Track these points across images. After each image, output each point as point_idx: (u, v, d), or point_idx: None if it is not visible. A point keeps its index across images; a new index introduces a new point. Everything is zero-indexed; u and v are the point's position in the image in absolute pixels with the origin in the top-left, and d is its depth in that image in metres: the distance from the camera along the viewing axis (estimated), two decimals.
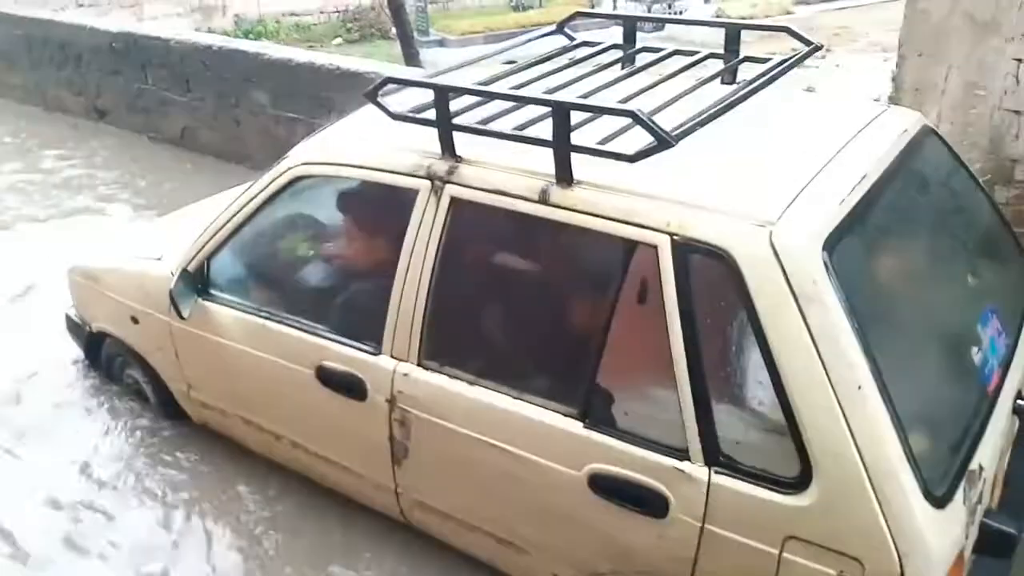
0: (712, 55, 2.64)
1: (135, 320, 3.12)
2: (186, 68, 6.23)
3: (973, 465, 1.94)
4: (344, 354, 2.52)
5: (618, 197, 2.02)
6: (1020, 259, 2.62)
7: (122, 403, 3.48)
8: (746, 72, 2.50)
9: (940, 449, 1.91)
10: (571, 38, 2.87)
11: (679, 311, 1.92)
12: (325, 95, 5.31)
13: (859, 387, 1.76)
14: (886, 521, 1.73)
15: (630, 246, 2.02)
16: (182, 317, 2.81)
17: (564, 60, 2.70)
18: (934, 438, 1.91)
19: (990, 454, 2.02)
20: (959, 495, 1.86)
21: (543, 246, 2.29)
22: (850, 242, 1.92)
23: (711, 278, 1.92)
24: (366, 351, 2.47)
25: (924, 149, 2.36)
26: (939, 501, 1.80)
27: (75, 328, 3.55)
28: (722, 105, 2.09)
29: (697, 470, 1.95)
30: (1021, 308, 2.47)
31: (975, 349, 2.15)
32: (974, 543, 1.96)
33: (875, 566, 1.75)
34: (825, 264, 1.82)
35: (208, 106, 6.20)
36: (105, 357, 3.53)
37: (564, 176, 2.07)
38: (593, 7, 13.53)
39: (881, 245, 2.19)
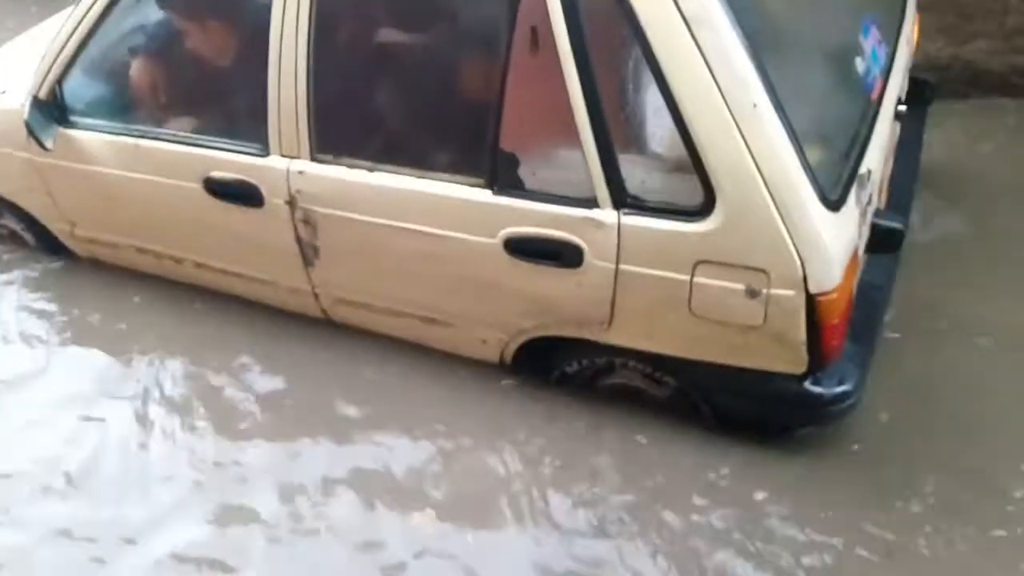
0: None
1: None
2: None
3: (862, 169, 2.03)
4: (231, 161, 2.39)
5: None
6: None
7: None
8: None
9: (832, 156, 1.98)
10: None
11: (573, 56, 1.87)
12: None
13: (754, 105, 1.78)
14: (787, 230, 1.82)
15: None
16: (46, 149, 2.59)
17: None
18: (826, 147, 1.97)
19: (877, 158, 2.12)
20: (851, 198, 1.96)
21: (422, 9, 2.16)
22: None
23: (602, 16, 1.86)
24: (253, 154, 2.35)
25: None
26: (834, 205, 1.88)
27: None
28: None
29: (607, 215, 1.98)
30: (897, 18, 2.52)
31: (858, 59, 2.19)
32: (866, 242, 2.10)
33: (780, 272, 1.86)
34: None
35: None
36: None
37: None
38: None
39: None
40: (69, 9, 2.59)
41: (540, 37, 1.94)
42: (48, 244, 3.12)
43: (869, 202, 2.08)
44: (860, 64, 2.17)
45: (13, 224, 3.15)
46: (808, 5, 2.23)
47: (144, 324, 2.88)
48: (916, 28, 2.63)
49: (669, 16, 1.78)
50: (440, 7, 2.13)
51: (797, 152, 1.81)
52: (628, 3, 1.80)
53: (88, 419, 2.56)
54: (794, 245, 1.83)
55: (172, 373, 2.69)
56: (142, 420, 2.54)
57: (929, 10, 2.67)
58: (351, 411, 2.51)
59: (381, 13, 2.22)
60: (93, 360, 2.78)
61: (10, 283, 3.13)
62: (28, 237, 3.16)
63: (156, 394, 2.63)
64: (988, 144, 3.33)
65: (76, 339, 2.87)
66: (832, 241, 1.86)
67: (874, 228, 2.09)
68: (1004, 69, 3.45)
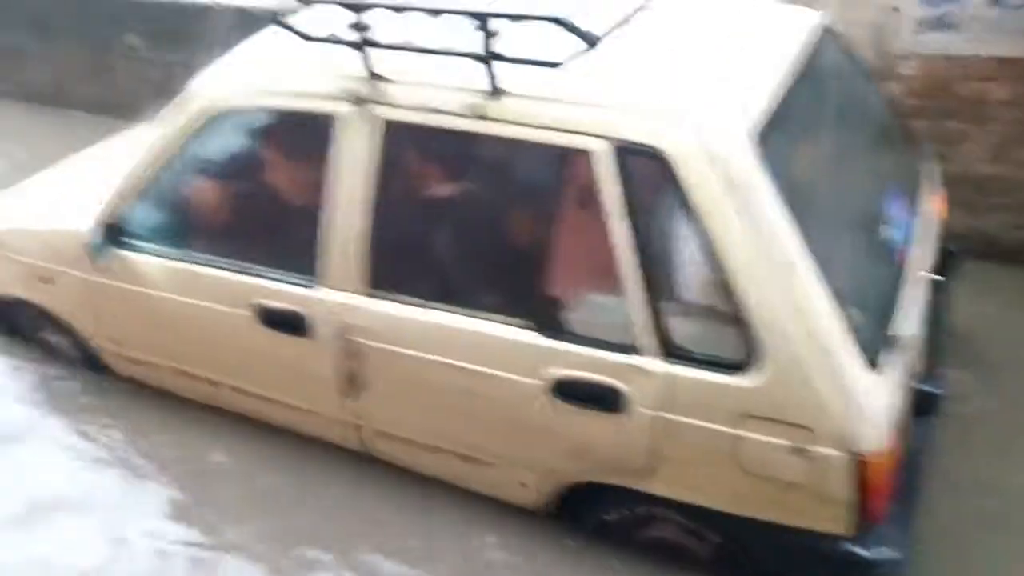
0: None
1: (46, 280, 2.95)
2: (41, 14, 5.74)
3: (901, 332, 2.09)
4: (282, 291, 2.47)
5: (550, 105, 2.05)
6: (910, 146, 2.81)
7: (37, 364, 3.30)
8: None
9: (869, 320, 2.05)
10: None
11: (621, 212, 1.98)
12: (204, 34, 5.02)
13: (796, 267, 1.87)
14: (832, 388, 1.87)
15: (566, 153, 2.05)
16: (102, 271, 2.68)
17: None
18: (863, 310, 2.05)
19: (913, 322, 2.19)
20: (893, 360, 2.01)
21: (480, 162, 2.29)
22: (774, 133, 2.01)
23: (648, 177, 1.98)
24: (304, 285, 2.43)
25: (825, 46, 2.47)
26: (874, 367, 1.94)
27: None
28: (637, 8, 2.13)
29: (651, 363, 2.03)
30: (914, 188, 2.66)
31: (883, 227, 2.32)
32: (907, 404, 2.13)
33: (825, 431, 1.89)
34: (755, 154, 1.90)
35: (76, 56, 5.75)
36: (13, 321, 3.32)
37: (494, 88, 2.06)
38: None
39: (799, 135, 2.29)
40: (133, 133, 2.73)
41: (589, 193, 2.05)
42: (87, 360, 3.15)
43: (908, 366, 2.13)
44: (885, 232, 2.29)
45: (55, 338, 3.20)
46: (838, 176, 2.36)
47: (172, 443, 2.89)
48: (942, 203, 2.76)
49: (713, 180, 1.89)
50: (498, 161, 2.26)
51: (837, 310, 1.89)
52: (674, 167, 1.92)
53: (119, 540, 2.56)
54: (839, 404, 1.87)
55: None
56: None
57: (947, 184, 2.84)
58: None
59: (442, 163, 2.35)
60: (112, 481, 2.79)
61: (46, 396, 3.16)
62: (69, 352, 3.21)
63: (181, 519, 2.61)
64: (1014, 312, 3.42)
65: (105, 459, 2.87)
66: (877, 402, 1.91)
67: (913, 392, 2.13)
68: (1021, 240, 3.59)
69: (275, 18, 2.29)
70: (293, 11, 2.42)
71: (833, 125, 2.56)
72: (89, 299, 2.88)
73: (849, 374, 1.88)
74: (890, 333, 2.09)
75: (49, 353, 3.29)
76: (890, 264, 2.30)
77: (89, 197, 2.79)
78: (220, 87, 2.49)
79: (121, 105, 5.42)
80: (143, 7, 5.29)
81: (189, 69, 2.86)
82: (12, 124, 5.76)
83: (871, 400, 1.88)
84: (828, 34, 2.54)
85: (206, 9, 5.02)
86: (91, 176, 3.06)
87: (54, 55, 5.84)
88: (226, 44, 2.72)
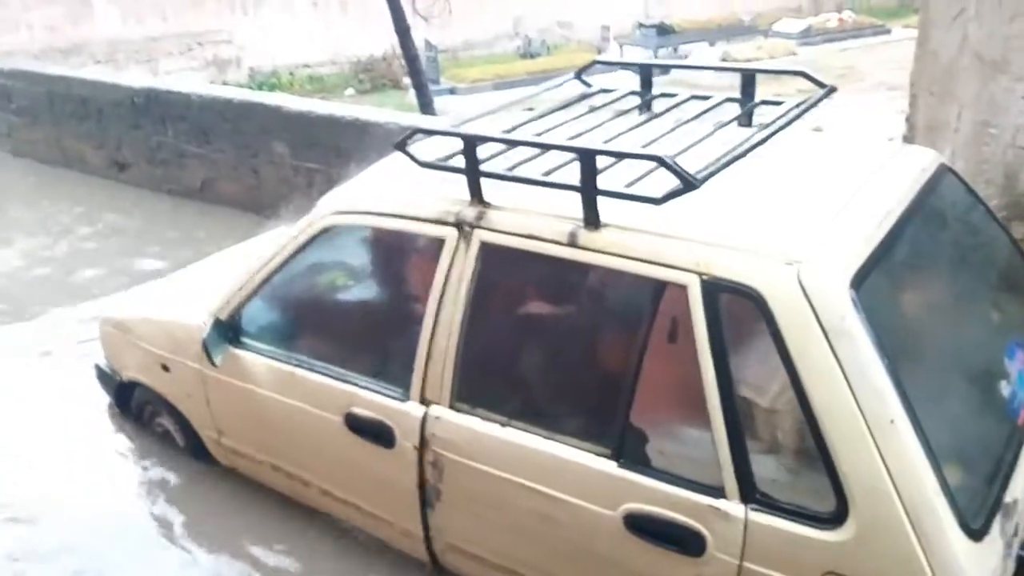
0: (728, 99, 2.71)
1: (166, 368, 3.17)
2: (205, 121, 6.37)
3: (1008, 498, 1.95)
4: (372, 401, 2.55)
5: (646, 238, 2.07)
6: None
7: (150, 449, 3.51)
8: (762, 116, 2.57)
9: (975, 482, 1.92)
10: (588, 85, 2.95)
11: (710, 349, 1.95)
12: (343, 145, 5.41)
13: (891, 420, 1.78)
14: (924, 555, 1.74)
15: (659, 286, 2.06)
16: (214, 365, 2.85)
17: (584, 107, 2.78)
18: (968, 471, 1.92)
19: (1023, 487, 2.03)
20: (995, 528, 1.87)
21: (572, 288, 2.33)
22: (876, 278, 1.96)
23: (741, 316, 1.95)
24: (394, 397, 2.50)
25: (942, 186, 2.41)
26: (976, 534, 1.80)
27: (105, 377, 3.60)
28: (744, 147, 2.15)
29: (733, 508, 1.96)
30: None
31: (1003, 382, 2.17)
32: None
33: None
34: (853, 300, 1.85)
35: (227, 158, 6.32)
36: (135, 405, 3.56)
37: (592, 219, 2.12)
38: (600, 54, 13.75)
39: (906, 281, 2.23)
40: (261, 237, 2.94)
41: (680, 327, 2.05)
42: (195, 448, 3.33)
43: (1015, 532, 1.97)
44: (1005, 388, 2.15)
45: (169, 424, 3.41)
46: (951, 325, 2.26)
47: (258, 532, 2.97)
48: None
49: (808, 325, 1.85)
50: (589, 288, 2.30)
51: (936, 473, 1.78)
52: (768, 308, 1.88)
53: None
54: (932, 572, 1.74)
55: None
56: None
57: None
58: None
59: (535, 286, 2.41)
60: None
61: (154, 480, 3.35)
62: (179, 439, 3.40)
63: None
64: None
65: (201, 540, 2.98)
66: (973, 573, 1.76)
67: (1020, 562, 1.96)
68: None
69: (396, 145, 2.45)
70: (417, 138, 2.59)
71: (948, 269, 2.47)
72: (201, 390, 3.06)
73: (946, 540, 1.75)
74: (1004, 499, 1.95)
75: (162, 437, 3.50)
76: (1008, 423, 2.15)
77: (215, 294, 3.01)
78: (342, 203, 2.66)
79: (264, 205, 5.89)
80: (291, 119, 5.78)
81: (327, 177, 3.11)
82: (171, 215, 6.43)
83: (967, 570, 1.74)
84: (946, 173, 2.48)
85: (349, 124, 5.42)
86: (223, 273, 3.29)
87: (211, 158, 6.43)
88: (363, 158, 2.93)
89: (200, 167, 6.55)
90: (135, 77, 8.44)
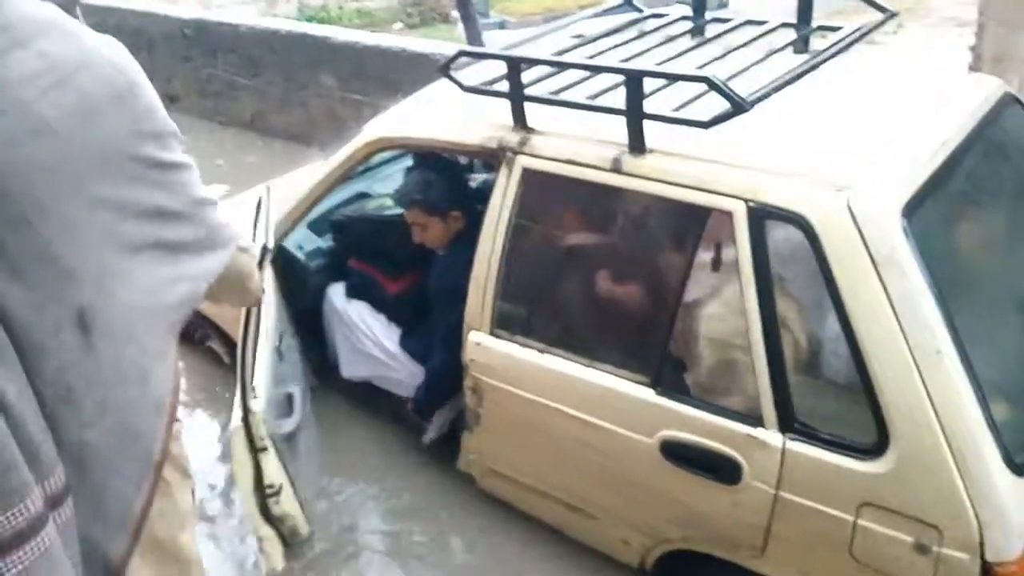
0: (784, 24, 2.61)
1: None
2: (254, 53, 6.37)
3: None
4: None
5: (692, 164, 2.03)
6: None
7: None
8: (819, 43, 2.47)
9: (1021, 418, 1.88)
10: (639, 10, 2.87)
11: (754, 277, 1.92)
12: (391, 77, 5.38)
13: (938, 352, 1.73)
14: (966, 488, 1.71)
15: (704, 213, 2.02)
16: None
17: (634, 32, 2.71)
18: (1014, 407, 1.87)
19: None
20: None
21: (615, 215, 2.30)
22: (929, 207, 1.90)
23: (787, 244, 1.91)
24: None
25: (1005, 116, 2.30)
26: (1020, 469, 1.76)
27: None
28: (797, 71, 2.08)
29: (771, 437, 1.95)
30: None
31: None
32: None
33: (954, 534, 1.73)
34: (904, 229, 1.80)
35: (276, 90, 6.33)
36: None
37: (637, 144, 2.08)
38: None
39: (961, 211, 2.15)
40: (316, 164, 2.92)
41: (723, 256, 2.01)
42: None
43: None
44: None
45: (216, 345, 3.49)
46: (1006, 258, 2.19)
47: None
48: None
49: (857, 253, 1.80)
50: (633, 214, 2.26)
51: (982, 406, 1.73)
52: (816, 235, 1.84)
53: None
54: (972, 505, 1.71)
55: None
56: None
57: None
58: None
59: (577, 213, 2.38)
60: None
61: None
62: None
63: None
64: None
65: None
66: (1016, 507, 1.73)
67: None
68: None
69: (440, 69, 2.42)
70: (465, 63, 2.55)
71: (1006, 202, 2.38)
72: None
73: (988, 474, 1.72)
74: None
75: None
76: None
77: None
78: (385, 131, 2.65)
79: (313, 137, 5.92)
80: (338, 50, 5.74)
81: (375, 109, 3.10)
82: (222, 145, 6.51)
83: (1008, 505, 1.70)
84: (1011, 103, 2.37)
85: (396, 55, 5.37)
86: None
87: (260, 89, 6.45)
88: (410, 89, 2.91)
89: (250, 99, 6.58)
90: (186, 9, 8.44)
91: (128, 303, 1.20)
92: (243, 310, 2.50)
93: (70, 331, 1.14)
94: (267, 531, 2.43)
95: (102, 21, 7.63)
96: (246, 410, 2.26)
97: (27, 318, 1.10)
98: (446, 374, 2.65)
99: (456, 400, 2.69)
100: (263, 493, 2.35)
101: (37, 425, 1.10)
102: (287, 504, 2.42)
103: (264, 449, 2.29)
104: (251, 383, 2.30)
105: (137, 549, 1.27)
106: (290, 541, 2.52)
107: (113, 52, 1.22)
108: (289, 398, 2.61)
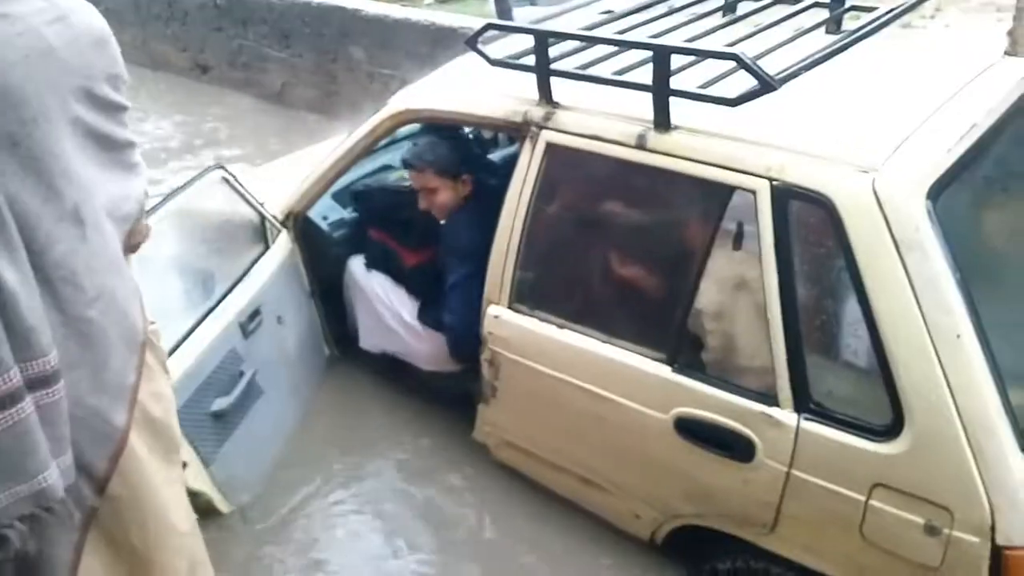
0: (816, 3, 2.58)
1: None
2: (285, 25, 6.39)
3: None
4: None
5: (717, 142, 2.02)
6: None
7: None
8: (852, 24, 2.45)
9: None
10: None
11: (775, 256, 1.92)
12: (420, 50, 5.38)
13: (958, 336, 1.73)
14: (979, 472, 1.71)
15: (727, 191, 2.01)
16: None
17: (663, 8, 2.69)
18: None
19: None
20: None
21: (638, 192, 2.30)
22: (955, 192, 1.88)
23: (810, 223, 1.91)
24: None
25: None
26: None
27: None
28: (828, 51, 2.06)
29: (786, 416, 1.95)
30: None
31: None
32: None
33: (965, 516, 1.73)
34: (928, 212, 1.79)
35: (306, 63, 6.35)
36: None
37: (662, 121, 2.07)
38: None
39: (987, 196, 2.13)
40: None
41: (745, 234, 2.01)
42: None
43: None
44: None
45: None
46: None
47: None
48: None
49: (880, 235, 1.79)
50: (655, 191, 2.26)
51: (999, 391, 1.73)
52: (839, 216, 1.83)
53: None
54: (985, 489, 1.71)
55: None
56: None
57: None
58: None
59: (599, 188, 2.38)
60: None
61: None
62: None
63: None
64: None
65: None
66: None
67: None
68: None
69: (467, 42, 2.42)
70: (492, 37, 2.55)
71: None
72: None
73: (1003, 458, 1.71)
74: None
75: None
76: None
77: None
78: (411, 103, 2.67)
79: (341, 110, 5.95)
80: (369, 22, 5.75)
81: (403, 83, 3.11)
82: (249, 117, 6.57)
83: (1022, 489, 1.70)
84: None
85: (425, 28, 5.37)
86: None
87: (290, 62, 6.48)
88: (438, 64, 2.91)
89: (280, 71, 6.61)
90: None
91: (102, 207, 1.41)
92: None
93: (70, 222, 1.33)
94: None
95: None
96: None
97: (37, 208, 1.27)
98: (465, 331, 2.66)
99: None
100: None
101: (31, 311, 1.24)
102: (194, 481, 2.39)
103: None
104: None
105: (135, 423, 1.47)
106: (206, 514, 2.50)
107: (90, 8, 1.46)
108: (237, 376, 2.62)
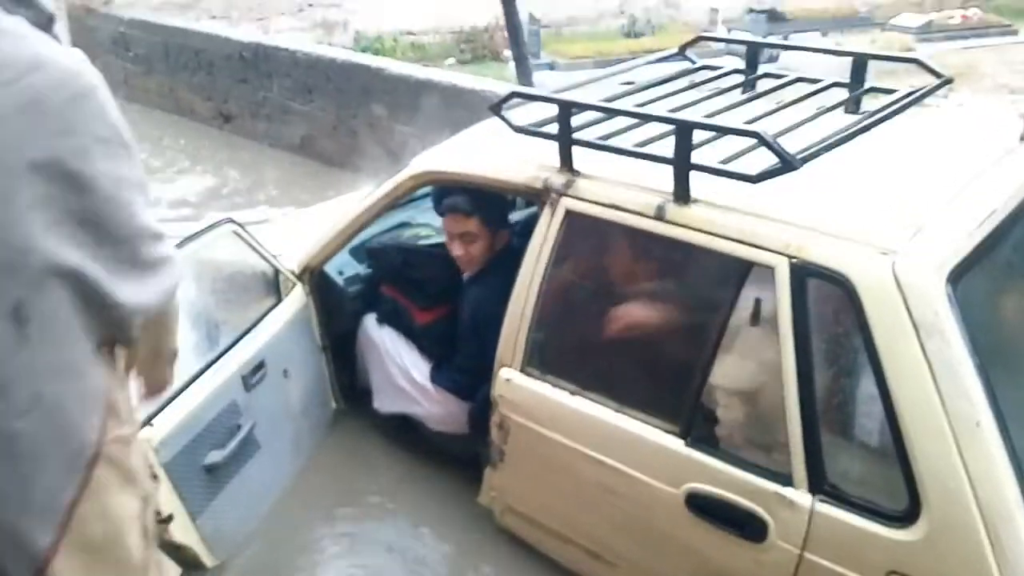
0: (836, 84, 2.62)
1: None
2: (309, 80, 6.53)
3: None
4: None
5: (736, 217, 2.03)
6: None
7: None
8: (870, 104, 2.48)
9: None
10: (692, 61, 2.90)
11: (793, 334, 1.91)
12: (441, 111, 5.47)
13: (977, 423, 1.71)
14: (997, 564, 1.68)
15: (745, 266, 2.01)
16: None
17: (685, 82, 2.74)
18: None
19: None
20: None
21: (655, 263, 2.31)
22: (975, 276, 1.88)
23: (828, 303, 1.90)
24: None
25: None
26: None
27: None
28: (849, 131, 2.08)
29: (800, 496, 1.92)
30: None
31: None
32: None
33: None
34: (948, 296, 1.78)
35: (328, 117, 6.47)
36: None
37: (682, 193, 2.09)
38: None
39: (1008, 282, 2.13)
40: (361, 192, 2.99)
41: (762, 311, 2.01)
42: None
43: None
44: None
45: None
46: None
47: None
48: None
49: (899, 317, 1.78)
50: (673, 263, 2.27)
51: (1019, 481, 1.70)
52: (858, 297, 1.83)
53: None
54: None
55: None
56: None
57: None
58: None
59: (617, 258, 2.39)
60: None
61: None
62: None
63: None
64: None
65: None
66: None
67: None
68: None
69: (492, 108, 2.46)
70: (515, 104, 2.59)
71: None
72: None
73: (1020, 547, 1.67)
74: None
75: None
76: None
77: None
78: (431, 165, 2.70)
79: (360, 165, 6.02)
80: (391, 81, 5.87)
81: (422, 142, 3.16)
82: (272, 168, 6.69)
83: None
84: None
85: (447, 89, 5.47)
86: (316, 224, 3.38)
87: (312, 115, 6.59)
88: (459, 125, 2.96)
89: (301, 123, 6.73)
90: (246, 33, 8.69)
91: (69, 302, 1.22)
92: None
93: (7, 321, 1.17)
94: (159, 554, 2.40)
95: (166, 41, 7.89)
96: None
97: None
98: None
99: None
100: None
101: None
102: (179, 534, 2.38)
103: (155, 477, 2.28)
104: (155, 413, 2.29)
105: (66, 546, 1.29)
106: (192, 567, 2.48)
107: (72, 60, 1.23)
108: (234, 430, 2.61)
